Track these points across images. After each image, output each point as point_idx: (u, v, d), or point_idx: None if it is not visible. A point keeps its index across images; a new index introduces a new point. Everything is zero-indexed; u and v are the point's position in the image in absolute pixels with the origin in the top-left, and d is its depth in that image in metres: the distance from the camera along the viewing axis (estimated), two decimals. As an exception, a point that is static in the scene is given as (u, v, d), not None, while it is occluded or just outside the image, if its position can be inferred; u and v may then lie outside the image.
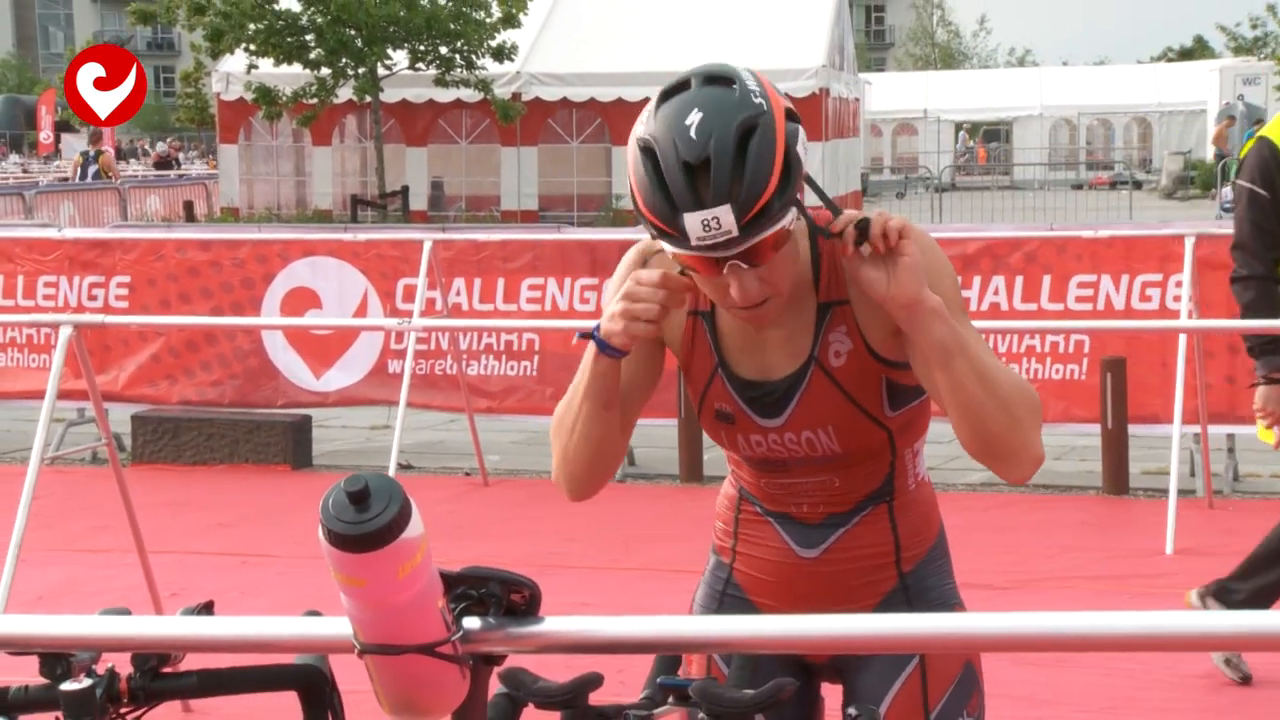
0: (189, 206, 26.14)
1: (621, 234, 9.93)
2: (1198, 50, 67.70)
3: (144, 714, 1.85)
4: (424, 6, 25.09)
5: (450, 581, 1.78)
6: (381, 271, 9.19)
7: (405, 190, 26.67)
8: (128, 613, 1.83)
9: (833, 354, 2.37)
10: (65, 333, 5.36)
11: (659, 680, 1.91)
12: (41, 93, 50.57)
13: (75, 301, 9.48)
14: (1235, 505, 7.77)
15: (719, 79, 2.18)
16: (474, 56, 25.31)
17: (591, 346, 2.32)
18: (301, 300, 9.26)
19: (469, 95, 26.07)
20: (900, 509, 2.48)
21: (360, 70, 25.27)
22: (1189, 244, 7.62)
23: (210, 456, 8.99)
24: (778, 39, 25.68)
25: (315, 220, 25.36)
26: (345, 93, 25.76)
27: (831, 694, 2.61)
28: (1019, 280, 8.29)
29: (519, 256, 9.07)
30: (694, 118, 2.14)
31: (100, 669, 1.82)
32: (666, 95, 2.20)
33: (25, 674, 1.83)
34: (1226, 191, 25.91)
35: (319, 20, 24.99)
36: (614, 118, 26.40)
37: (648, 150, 2.17)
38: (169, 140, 50.22)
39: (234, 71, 26.78)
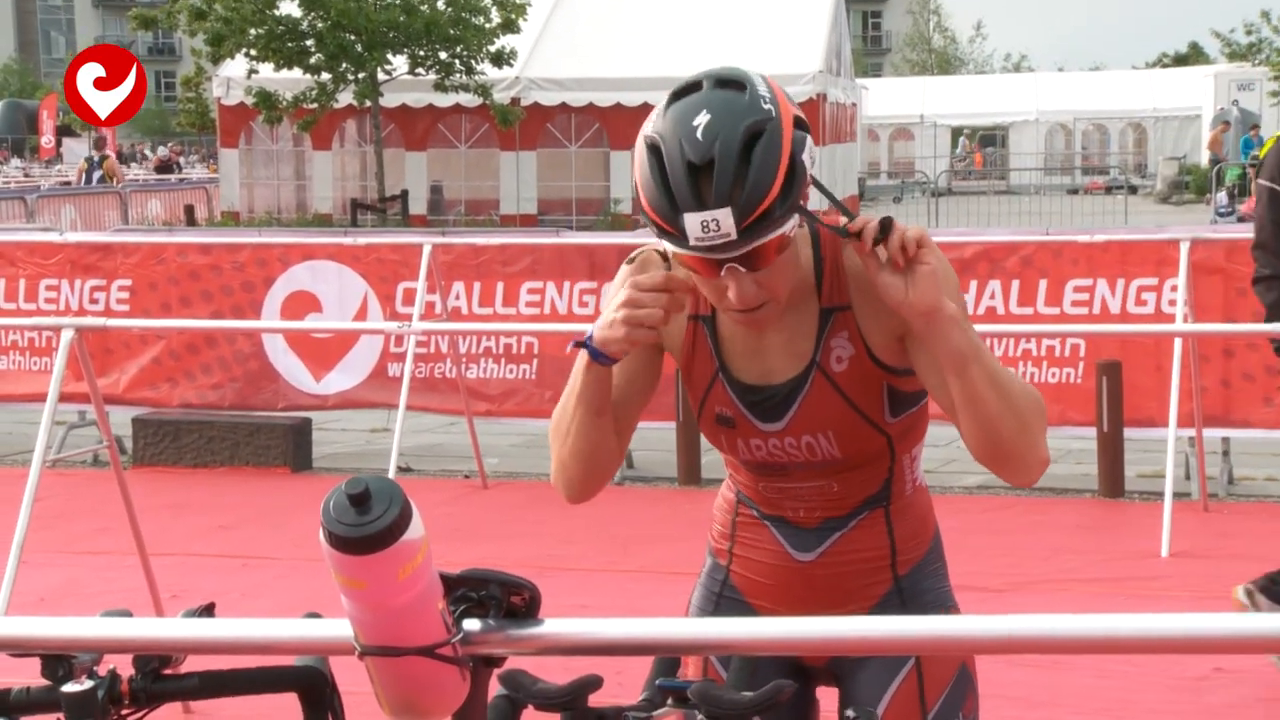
0: (190, 210, 26.15)
1: (620, 238, 9.96)
2: (1193, 56, 67.76)
3: (145, 715, 1.85)
4: (424, 12, 25.11)
5: (450, 584, 1.79)
6: (381, 275, 9.20)
7: (405, 194, 26.68)
8: (129, 614, 1.84)
9: (834, 359, 2.37)
10: (67, 336, 5.37)
11: (658, 682, 1.92)
12: (43, 97, 50.62)
13: (77, 305, 9.49)
14: (1230, 508, 7.78)
15: (730, 82, 2.20)
16: (473, 62, 25.33)
17: (583, 354, 2.32)
18: (302, 304, 9.28)
19: (468, 100, 26.09)
20: (896, 513, 2.49)
21: (360, 75, 25.28)
22: (1184, 248, 7.64)
23: (211, 459, 9.00)
24: (775, 44, 25.69)
25: (315, 224, 25.39)
26: (345, 97, 25.78)
27: (827, 697, 2.62)
28: (1015, 284, 8.30)
29: (518, 260, 9.08)
30: (702, 119, 2.15)
31: (102, 670, 1.82)
32: (677, 95, 2.21)
33: (27, 676, 1.83)
34: (1221, 196, 25.92)
35: (319, 25, 25.01)
36: (612, 122, 26.41)
37: (654, 148, 2.18)
38: (170, 145, 50.24)
39: (235, 76, 26.79)
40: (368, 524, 1.67)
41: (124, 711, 1.83)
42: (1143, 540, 6.96)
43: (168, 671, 1.85)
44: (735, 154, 2.13)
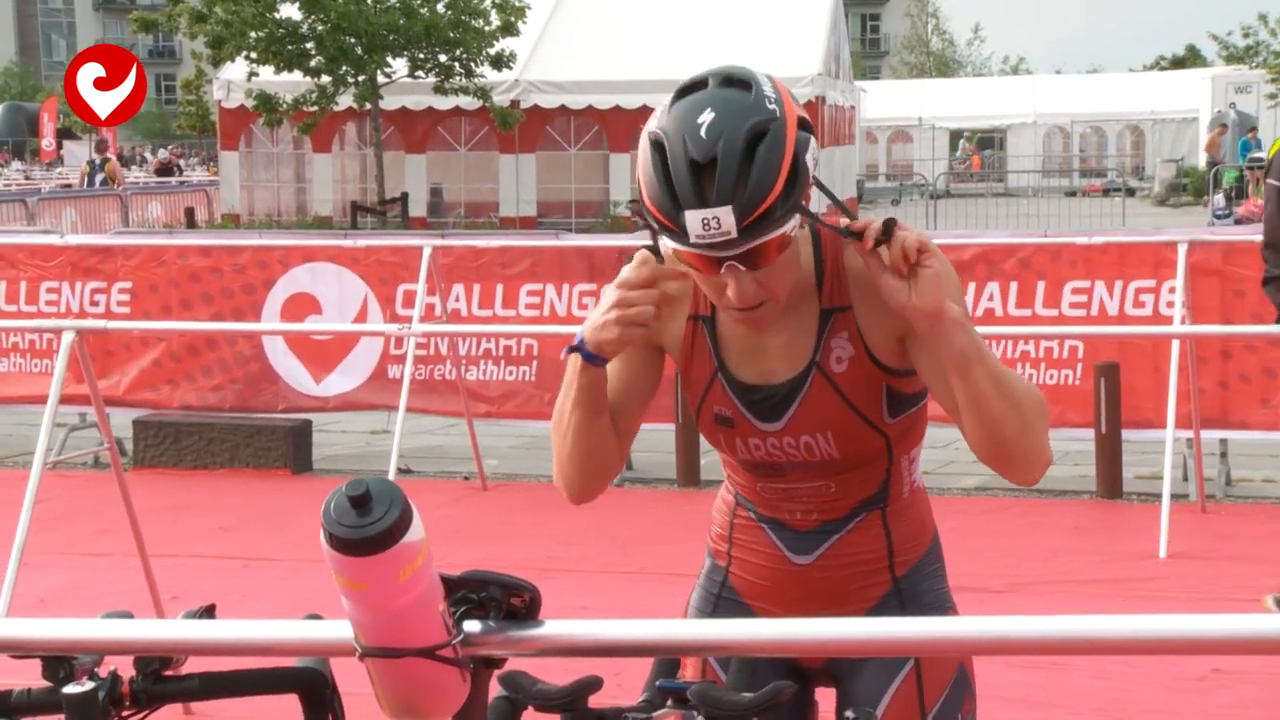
0: (190, 213, 26.17)
1: (619, 240, 9.96)
2: (1190, 59, 67.73)
3: (146, 717, 1.85)
4: (423, 15, 25.12)
5: (451, 585, 1.79)
6: (381, 277, 9.21)
7: (405, 197, 26.70)
8: (130, 616, 1.84)
9: (834, 359, 2.38)
10: (68, 338, 5.37)
11: (658, 683, 1.92)
12: (44, 100, 50.59)
13: (77, 307, 9.50)
14: (1228, 510, 7.79)
15: (736, 81, 2.20)
16: (473, 64, 25.35)
17: (577, 357, 2.32)
18: (302, 306, 9.29)
19: (468, 103, 26.11)
20: (893, 516, 2.49)
21: (360, 78, 25.30)
22: (1182, 250, 7.65)
23: (211, 461, 9.00)
24: (774, 47, 25.70)
25: (315, 226, 25.40)
26: (345, 100, 25.80)
27: (825, 699, 2.62)
28: (1013, 286, 8.32)
29: (517, 262, 9.09)
30: (706, 117, 2.16)
31: (103, 672, 1.82)
32: (683, 92, 2.21)
33: (28, 677, 1.84)
34: (1218, 199, 25.94)
35: (319, 28, 25.03)
36: (611, 125, 26.43)
37: (657, 144, 2.19)
38: (170, 147, 50.24)
39: (235, 79, 26.81)
40: (368, 526, 1.67)
41: (125, 713, 1.83)
42: (1141, 541, 6.97)
43: (168, 673, 1.85)
44: (738, 153, 2.14)
